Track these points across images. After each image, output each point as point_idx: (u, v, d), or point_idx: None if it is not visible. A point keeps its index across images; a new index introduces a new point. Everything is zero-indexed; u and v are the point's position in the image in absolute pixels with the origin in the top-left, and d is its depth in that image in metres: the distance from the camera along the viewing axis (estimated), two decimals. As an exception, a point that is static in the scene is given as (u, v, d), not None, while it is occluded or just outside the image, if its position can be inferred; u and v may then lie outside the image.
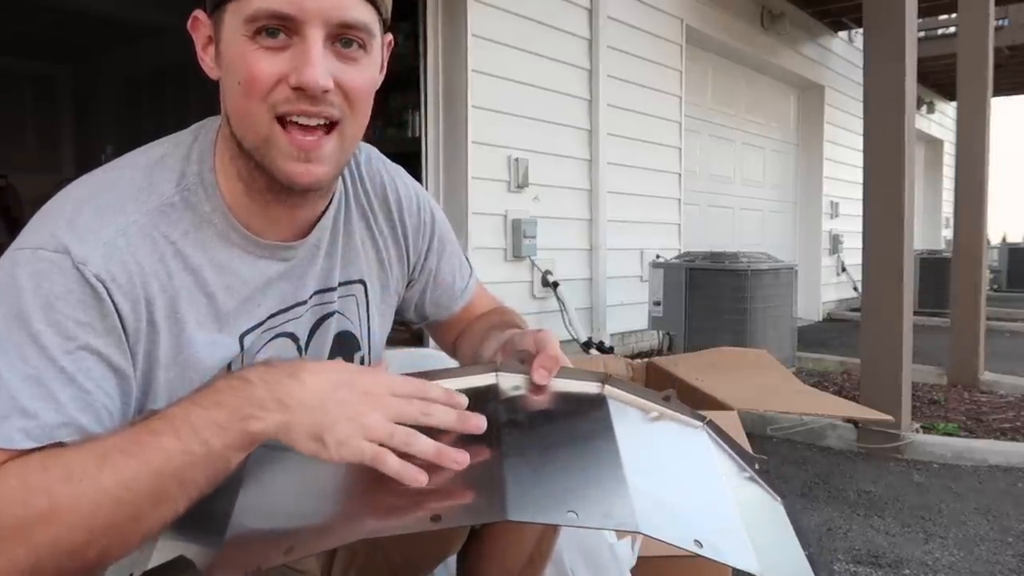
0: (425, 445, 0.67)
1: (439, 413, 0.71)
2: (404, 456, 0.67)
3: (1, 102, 6.46)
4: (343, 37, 0.75)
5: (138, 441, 0.66)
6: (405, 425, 0.69)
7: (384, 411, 0.69)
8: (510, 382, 0.81)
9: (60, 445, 0.67)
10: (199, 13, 0.77)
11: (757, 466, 0.85)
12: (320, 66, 0.73)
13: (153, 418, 0.68)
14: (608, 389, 0.82)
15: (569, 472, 0.69)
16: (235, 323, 0.82)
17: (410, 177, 1.05)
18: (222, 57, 0.76)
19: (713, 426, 0.84)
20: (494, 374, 0.81)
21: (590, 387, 0.82)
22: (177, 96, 5.99)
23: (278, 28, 0.73)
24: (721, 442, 0.84)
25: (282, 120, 0.75)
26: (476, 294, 1.15)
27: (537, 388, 0.80)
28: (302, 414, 0.67)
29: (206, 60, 0.79)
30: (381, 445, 0.67)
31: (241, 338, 0.83)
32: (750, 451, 0.86)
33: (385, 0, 0.80)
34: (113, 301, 0.72)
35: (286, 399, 0.68)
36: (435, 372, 0.80)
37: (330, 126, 0.78)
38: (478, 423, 0.71)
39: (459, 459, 0.67)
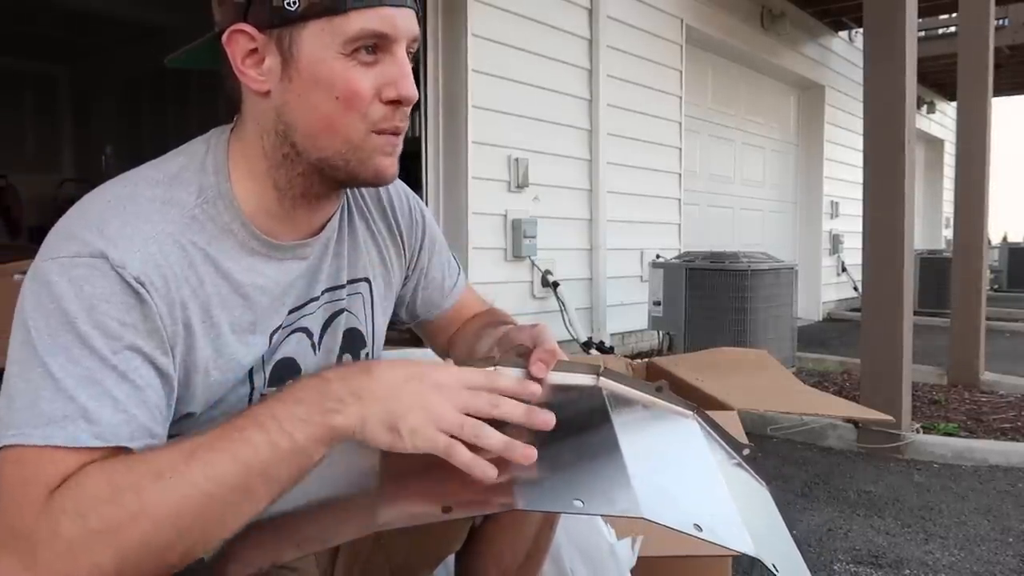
0: (494, 439, 0.69)
1: (508, 407, 0.73)
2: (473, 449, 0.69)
3: (1, 102, 6.46)
4: (409, 50, 0.81)
5: (225, 436, 0.68)
6: (475, 417, 0.70)
7: (454, 402, 0.71)
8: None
9: (128, 450, 0.68)
10: (245, 26, 0.77)
11: (746, 452, 0.87)
12: (412, 78, 0.80)
13: (235, 417, 0.70)
14: (603, 381, 0.84)
15: (572, 462, 0.72)
16: (267, 322, 0.84)
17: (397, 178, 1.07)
18: (301, 74, 0.78)
19: (702, 415, 0.87)
20: (492, 368, 0.82)
21: (586, 379, 0.84)
22: (177, 96, 6.00)
23: (374, 46, 0.78)
24: (710, 430, 0.86)
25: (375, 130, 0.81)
26: (466, 295, 1.16)
27: (535, 381, 0.81)
28: (375, 404, 0.70)
29: (249, 73, 0.79)
30: (452, 436, 0.69)
31: (271, 336, 0.86)
32: (740, 440, 0.88)
33: None
34: (154, 303, 0.73)
35: (361, 392, 0.70)
36: None
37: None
38: (546, 419, 0.72)
39: (527, 453, 0.69)
